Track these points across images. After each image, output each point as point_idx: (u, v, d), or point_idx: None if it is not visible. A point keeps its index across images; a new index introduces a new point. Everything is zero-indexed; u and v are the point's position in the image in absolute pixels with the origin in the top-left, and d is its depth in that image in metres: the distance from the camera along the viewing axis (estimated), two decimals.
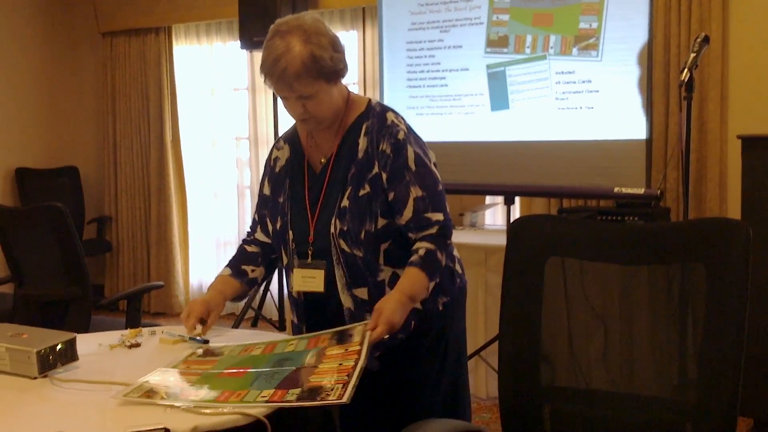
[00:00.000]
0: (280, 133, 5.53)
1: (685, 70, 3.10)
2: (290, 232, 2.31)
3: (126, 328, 2.62)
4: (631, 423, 1.87)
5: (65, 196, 6.60)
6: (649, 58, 3.88)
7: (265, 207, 2.44)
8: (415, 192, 2.21)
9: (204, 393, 1.79)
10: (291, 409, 1.72)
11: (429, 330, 2.30)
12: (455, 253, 2.39)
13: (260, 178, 2.51)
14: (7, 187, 6.57)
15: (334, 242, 2.23)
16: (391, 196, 2.23)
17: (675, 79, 4.35)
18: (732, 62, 4.36)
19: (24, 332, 2.03)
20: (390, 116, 2.29)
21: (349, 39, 5.86)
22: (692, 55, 3.17)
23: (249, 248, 2.48)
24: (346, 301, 2.24)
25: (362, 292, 2.24)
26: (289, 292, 2.38)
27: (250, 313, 5.58)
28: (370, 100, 2.36)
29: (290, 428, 1.74)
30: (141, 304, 3.46)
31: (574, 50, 4.03)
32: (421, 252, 2.19)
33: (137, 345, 2.22)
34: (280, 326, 5.44)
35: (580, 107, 4.05)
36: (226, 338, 2.29)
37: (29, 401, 1.79)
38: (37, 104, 6.79)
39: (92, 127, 7.04)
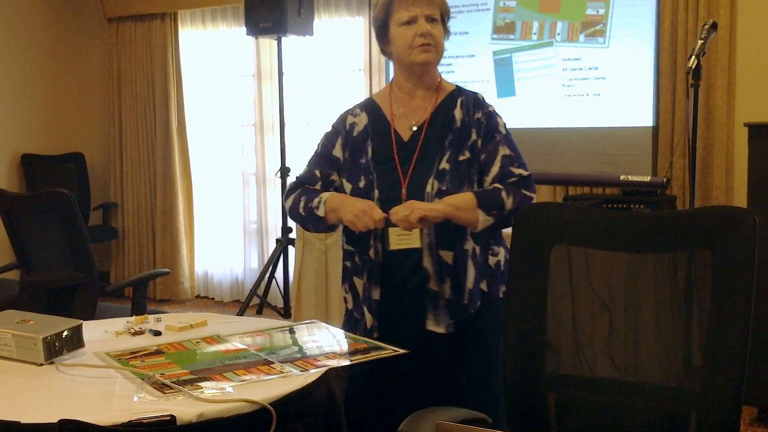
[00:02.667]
0: (286, 120, 5.59)
1: (693, 57, 3.08)
2: (376, 191, 2.31)
3: (132, 315, 2.63)
4: (636, 411, 1.87)
5: (71, 183, 6.62)
6: (656, 44, 3.86)
7: (332, 168, 2.41)
8: (503, 150, 2.33)
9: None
10: (296, 398, 1.73)
11: (490, 316, 2.33)
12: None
13: (322, 139, 2.48)
14: (13, 173, 6.58)
15: (428, 201, 2.26)
16: (482, 157, 2.32)
17: (682, 66, 4.33)
18: (739, 49, 4.33)
19: (30, 319, 2.04)
20: (480, 96, 2.43)
21: (354, 25, 5.85)
22: (700, 41, 3.15)
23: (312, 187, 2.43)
24: (428, 264, 2.26)
25: (448, 255, 2.27)
26: (361, 255, 2.35)
27: (255, 300, 5.60)
28: (457, 85, 2.47)
29: (295, 416, 1.74)
30: (147, 291, 3.47)
31: (581, 37, 4.01)
32: (489, 188, 2.28)
33: (141, 332, 2.22)
34: (285, 313, 5.45)
35: (587, 94, 4.04)
36: (231, 326, 2.30)
37: (35, 388, 1.80)
38: (42, 90, 6.79)
39: (98, 113, 7.04)
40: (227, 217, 6.59)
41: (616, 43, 3.93)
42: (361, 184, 2.34)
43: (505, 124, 2.39)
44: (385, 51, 2.44)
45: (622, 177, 3.93)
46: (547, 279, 1.94)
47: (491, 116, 2.37)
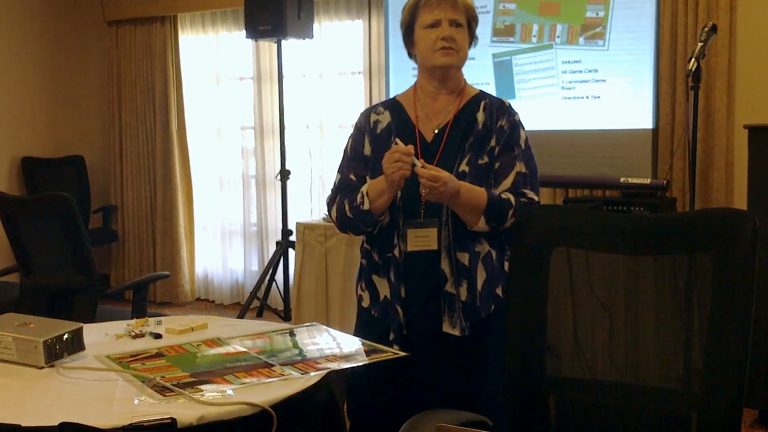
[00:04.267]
0: (286, 123, 5.59)
1: (692, 59, 3.09)
2: (398, 191, 2.30)
3: (132, 318, 2.63)
4: (637, 413, 1.87)
5: (71, 186, 6.61)
6: (655, 47, 3.86)
7: (366, 168, 2.39)
8: (520, 167, 2.33)
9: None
10: (296, 401, 1.73)
11: (501, 320, 2.31)
12: None
13: (350, 142, 2.45)
14: (13, 176, 6.58)
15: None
16: (496, 165, 2.32)
17: (682, 69, 4.33)
18: (739, 52, 4.34)
19: (31, 322, 2.04)
20: (506, 101, 2.44)
21: (354, 28, 5.85)
22: (699, 44, 3.16)
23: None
24: (445, 265, 2.27)
25: (464, 257, 2.29)
26: (381, 254, 2.35)
27: (256, 303, 5.60)
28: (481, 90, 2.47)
29: (295, 419, 1.74)
30: (147, 294, 3.47)
31: (581, 39, 4.01)
32: (503, 196, 2.28)
33: (142, 335, 2.22)
34: (285, 316, 5.45)
35: (587, 97, 4.04)
36: (231, 329, 2.30)
37: (36, 391, 1.80)
38: (42, 93, 6.79)
39: (98, 116, 7.04)
40: (227, 220, 6.59)
41: (616, 46, 3.93)
42: None
43: (527, 139, 2.39)
44: (410, 54, 2.45)
45: (622, 179, 3.93)
46: (548, 281, 1.94)
47: (515, 127, 2.37)
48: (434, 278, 2.28)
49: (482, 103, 2.39)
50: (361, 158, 2.42)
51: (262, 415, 1.65)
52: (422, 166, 2.17)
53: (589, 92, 4.03)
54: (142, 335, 2.22)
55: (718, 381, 1.73)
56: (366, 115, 2.48)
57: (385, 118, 2.43)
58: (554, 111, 4.11)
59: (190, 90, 6.58)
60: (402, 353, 2.05)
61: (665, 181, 3.96)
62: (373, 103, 5.60)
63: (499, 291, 2.33)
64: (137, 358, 2.00)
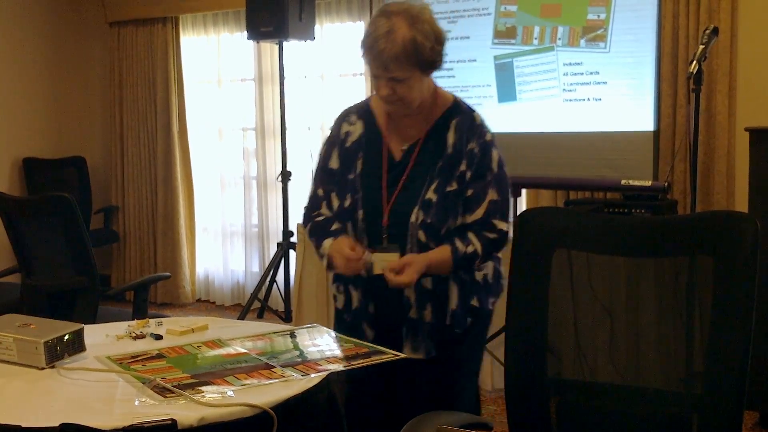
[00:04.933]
0: (287, 124, 5.59)
1: (694, 61, 3.08)
2: (360, 212, 2.29)
3: (133, 319, 2.63)
4: (638, 415, 1.87)
5: (72, 186, 6.61)
6: (657, 49, 3.86)
7: (332, 182, 2.37)
8: (492, 195, 2.26)
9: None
10: (297, 402, 1.73)
11: (479, 328, 2.38)
12: (500, 254, 2.40)
13: (321, 151, 2.43)
14: (14, 177, 6.58)
15: (412, 231, 2.24)
16: (469, 192, 2.26)
17: (683, 71, 4.33)
18: (741, 54, 4.34)
19: (31, 323, 2.04)
20: (477, 117, 2.33)
21: (356, 30, 5.85)
22: (701, 46, 3.15)
23: (320, 219, 2.40)
24: (409, 292, 2.26)
25: (427, 281, 2.27)
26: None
27: (256, 304, 5.60)
28: (455, 96, 2.38)
29: (296, 420, 1.74)
30: (148, 295, 3.47)
31: (582, 41, 4.01)
32: (468, 250, 2.23)
33: (142, 336, 2.23)
34: (286, 317, 5.45)
35: (588, 99, 4.04)
36: (232, 330, 2.30)
37: (36, 392, 1.80)
38: (44, 94, 6.79)
39: (99, 117, 7.04)
40: (228, 221, 6.59)
41: (617, 48, 3.93)
42: (347, 203, 2.32)
43: (499, 159, 2.30)
44: None
45: (623, 181, 3.93)
46: (549, 283, 1.93)
47: (486, 150, 2.28)
48: (399, 303, 2.27)
49: (453, 122, 2.30)
50: (328, 171, 2.39)
51: (263, 416, 1.65)
52: (383, 262, 2.18)
53: (590, 94, 4.03)
54: (142, 336, 2.22)
55: (719, 383, 1.73)
56: (339, 123, 2.42)
57: (357, 129, 2.37)
58: (555, 113, 4.11)
59: (192, 91, 6.58)
60: (402, 354, 2.05)
61: (666, 184, 3.96)
62: None
63: (475, 302, 2.32)
64: (138, 359, 2.00)
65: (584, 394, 1.93)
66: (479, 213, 2.25)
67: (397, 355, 2.04)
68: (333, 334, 2.26)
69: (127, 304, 4.14)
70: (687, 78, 3.08)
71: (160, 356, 2.03)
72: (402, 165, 2.30)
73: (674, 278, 1.84)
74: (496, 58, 4.27)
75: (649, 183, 3.87)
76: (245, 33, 5.40)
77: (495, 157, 2.29)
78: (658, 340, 1.87)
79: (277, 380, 1.82)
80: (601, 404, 1.91)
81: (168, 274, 4.37)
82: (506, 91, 4.25)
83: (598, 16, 3.97)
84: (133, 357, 2.02)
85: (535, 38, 4.14)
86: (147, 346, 2.14)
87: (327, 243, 2.31)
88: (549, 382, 1.93)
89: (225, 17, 6.38)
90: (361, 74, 5.80)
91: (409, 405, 2.27)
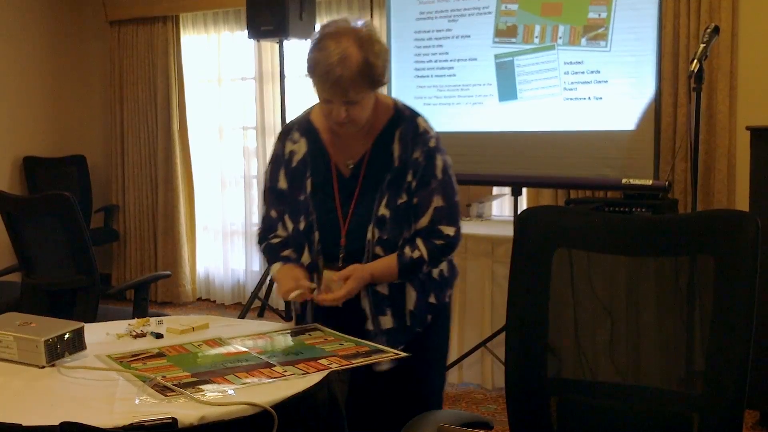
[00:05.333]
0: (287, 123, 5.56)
1: (695, 60, 3.08)
2: (316, 233, 2.29)
3: (133, 318, 2.63)
4: (638, 415, 1.87)
5: (72, 185, 6.62)
6: (658, 48, 3.86)
7: (282, 203, 2.36)
8: (437, 201, 2.25)
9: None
10: (297, 401, 1.73)
11: (440, 321, 2.39)
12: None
13: (268, 170, 2.41)
14: (14, 175, 6.59)
15: (369, 248, 2.25)
16: (415, 200, 2.25)
17: (684, 70, 4.33)
18: (741, 53, 4.33)
19: (32, 321, 2.03)
20: (421, 122, 2.30)
21: None
22: (702, 45, 3.15)
23: (275, 241, 2.39)
24: (366, 303, 2.27)
25: (384, 287, 2.28)
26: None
27: (257, 303, 5.59)
28: (395, 101, 2.34)
29: (296, 419, 1.74)
30: (148, 294, 3.47)
31: (583, 40, 4.01)
32: (414, 255, 2.24)
33: (143, 335, 2.22)
34: (287, 316, 5.44)
35: (589, 98, 4.04)
36: (232, 329, 2.30)
37: (37, 390, 1.80)
38: (44, 93, 6.79)
39: (99, 115, 7.04)
40: (229, 220, 6.59)
41: (618, 47, 3.93)
42: (302, 225, 2.30)
43: (444, 164, 2.28)
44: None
45: (623, 180, 3.92)
46: (549, 283, 1.93)
47: (430, 157, 2.26)
48: (355, 316, 2.27)
49: (397, 132, 2.27)
50: (278, 192, 2.37)
51: (263, 415, 1.64)
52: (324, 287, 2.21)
53: (591, 93, 4.02)
54: (143, 335, 2.22)
55: (719, 382, 1.73)
56: (282, 141, 2.38)
57: (301, 147, 2.33)
58: (556, 112, 4.11)
59: (192, 90, 6.58)
60: (403, 354, 2.05)
61: (667, 183, 3.96)
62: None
63: (432, 299, 2.33)
64: (138, 357, 2.00)
65: (584, 393, 1.93)
66: (425, 221, 2.26)
67: (399, 354, 2.04)
68: (333, 332, 2.26)
69: (128, 302, 4.14)
70: (688, 77, 3.08)
71: (160, 355, 2.03)
72: (352, 182, 2.28)
73: (675, 277, 1.84)
74: (496, 56, 4.26)
75: (649, 182, 3.87)
76: (246, 32, 5.39)
77: (439, 164, 2.27)
78: (659, 339, 1.87)
79: (277, 379, 1.82)
80: (601, 403, 1.91)
81: (168, 272, 4.36)
82: (507, 90, 4.24)
83: (599, 15, 3.96)
84: (133, 356, 2.01)
85: (536, 37, 4.14)
86: (147, 344, 2.13)
87: (275, 267, 2.34)
88: (549, 382, 1.93)
89: (225, 16, 6.38)
90: None
91: (380, 402, 2.29)
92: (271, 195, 2.39)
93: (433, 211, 2.25)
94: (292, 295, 2.23)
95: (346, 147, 2.30)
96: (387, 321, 2.28)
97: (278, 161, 2.37)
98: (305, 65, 2.19)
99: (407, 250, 2.24)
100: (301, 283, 2.22)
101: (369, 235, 2.24)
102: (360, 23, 2.19)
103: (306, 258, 2.31)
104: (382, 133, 2.28)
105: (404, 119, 2.29)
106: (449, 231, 2.27)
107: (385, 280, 2.26)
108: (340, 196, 2.28)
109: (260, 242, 2.44)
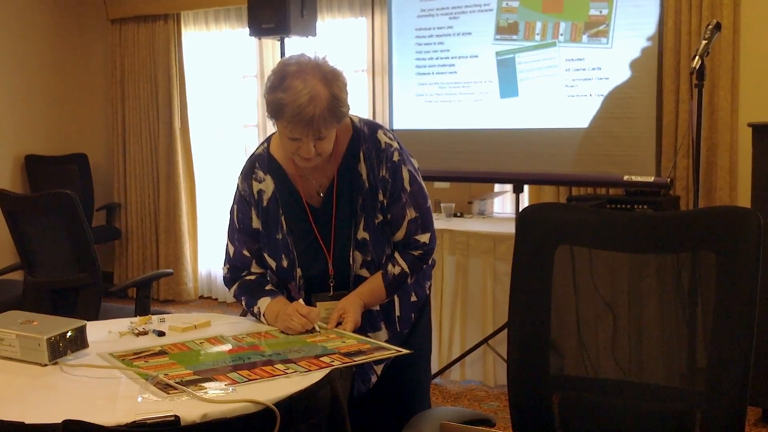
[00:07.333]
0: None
1: (696, 57, 3.08)
2: (298, 270, 2.29)
3: (135, 316, 2.63)
4: (640, 412, 1.87)
5: (74, 183, 6.62)
6: (659, 45, 3.85)
7: (258, 241, 2.34)
8: (410, 214, 2.28)
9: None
10: (300, 398, 1.73)
11: (423, 315, 2.44)
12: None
13: (235, 211, 2.36)
14: (16, 174, 6.59)
15: (353, 273, 2.28)
16: (389, 216, 2.29)
17: (686, 67, 4.33)
18: (743, 49, 4.33)
19: (34, 319, 2.04)
20: (381, 137, 2.27)
21: (357, 26, 5.85)
22: (703, 42, 3.15)
23: (251, 278, 2.38)
24: (362, 323, 2.28)
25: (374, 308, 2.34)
26: None
27: None
28: (351, 119, 2.29)
29: (299, 417, 1.74)
30: (150, 292, 3.48)
31: (584, 37, 4.01)
32: (396, 271, 2.28)
33: (145, 333, 2.23)
34: None
35: (590, 94, 4.03)
36: (234, 327, 2.30)
37: (39, 388, 1.80)
38: (45, 91, 6.80)
39: (101, 114, 7.05)
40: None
41: (620, 44, 3.92)
42: (284, 263, 2.30)
43: (410, 174, 2.27)
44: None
45: (625, 177, 3.92)
46: (551, 279, 1.93)
47: (396, 170, 2.25)
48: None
49: (361, 152, 2.25)
50: (250, 232, 2.34)
51: (266, 412, 1.64)
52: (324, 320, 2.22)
53: (592, 90, 4.02)
54: (145, 333, 2.22)
55: (722, 379, 1.72)
56: (248, 183, 2.32)
57: (268, 185, 2.30)
58: (558, 109, 4.11)
59: (194, 88, 6.58)
60: (405, 351, 2.05)
61: (669, 179, 3.96)
62: (376, 100, 5.62)
63: (413, 297, 2.37)
64: (140, 355, 2.00)
65: (587, 390, 1.93)
66: (400, 235, 2.30)
67: (400, 351, 2.04)
68: (335, 330, 2.26)
69: (130, 300, 4.14)
70: (689, 73, 3.08)
71: (162, 353, 2.03)
72: (326, 211, 2.27)
73: (677, 274, 1.84)
74: (497, 53, 4.26)
75: (651, 179, 3.87)
76: (247, 29, 5.39)
77: (406, 176, 2.27)
78: (661, 336, 1.87)
79: (279, 377, 1.82)
80: (603, 400, 1.91)
81: (170, 270, 4.37)
82: (508, 86, 4.24)
83: (601, 11, 3.96)
84: (135, 354, 2.02)
85: (537, 34, 4.13)
86: (149, 342, 2.14)
87: (263, 302, 2.30)
88: (551, 378, 1.93)
89: (227, 13, 6.38)
90: (363, 70, 5.79)
91: (368, 395, 2.30)
92: (242, 236, 2.35)
93: (408, 224, 2.29)
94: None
95: (313, 176, 2.28)
96: (382, 335, 2.33)
97: (248, 202, 2.33)
98: (268, 107, 2.13)
99: (389, 267, 2.29)
100: (311, 316, 2.19)
101: (352, 260, 2.27)
102: (320, 57, 2.19)
103: (291, 292, 2.31)
104: (345, 155, 2.26)
105: (364, 138, 2.27)
106: (424, 239, 2.32)
107: (376, 304, 2.30)
108: (317, 226, 2.27)
109: (230, 282, 2.41)
